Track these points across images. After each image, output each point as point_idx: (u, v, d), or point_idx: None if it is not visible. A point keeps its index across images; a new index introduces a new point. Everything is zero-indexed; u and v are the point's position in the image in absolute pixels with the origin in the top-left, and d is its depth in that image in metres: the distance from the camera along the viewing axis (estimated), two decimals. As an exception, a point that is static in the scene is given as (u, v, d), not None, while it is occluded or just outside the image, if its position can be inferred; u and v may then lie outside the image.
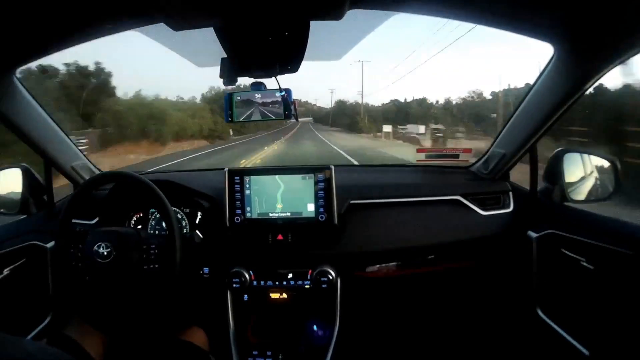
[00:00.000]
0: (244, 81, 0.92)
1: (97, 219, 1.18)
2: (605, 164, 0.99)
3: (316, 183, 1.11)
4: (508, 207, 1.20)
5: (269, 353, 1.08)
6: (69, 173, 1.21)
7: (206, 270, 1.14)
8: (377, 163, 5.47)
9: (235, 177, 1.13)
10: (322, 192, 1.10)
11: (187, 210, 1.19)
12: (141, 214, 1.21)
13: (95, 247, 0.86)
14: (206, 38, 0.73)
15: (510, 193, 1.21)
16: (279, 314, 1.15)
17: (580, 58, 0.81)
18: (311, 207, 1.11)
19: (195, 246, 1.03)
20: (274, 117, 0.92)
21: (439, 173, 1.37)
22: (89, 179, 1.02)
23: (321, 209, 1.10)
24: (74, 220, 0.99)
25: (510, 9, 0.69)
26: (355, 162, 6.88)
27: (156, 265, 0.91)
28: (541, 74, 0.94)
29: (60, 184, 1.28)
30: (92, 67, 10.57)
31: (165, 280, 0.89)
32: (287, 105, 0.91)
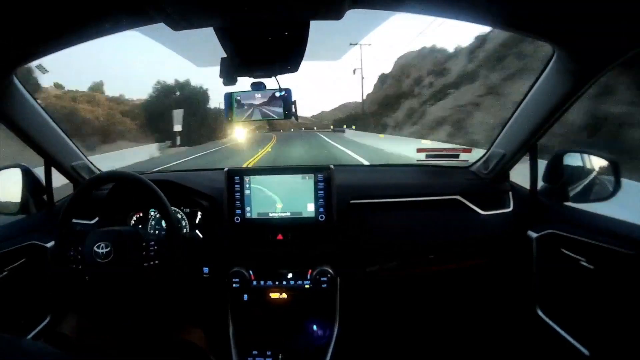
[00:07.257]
0: (244, 81, 0.92)
1: (97, 219, 1.18)
2: (606, 164, 0.99)
3: (316, 183, 1.11)
4: (508, 207, 1.20)
5: (268, 353, 1.08)
6: (69, 173, 1.21)
7: (206, 270, 1.13)
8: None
9: (235, 177, 1.13)
10: (322, 192, 1.10)
11: (187, 210, 1.19)
12: (141, 214, 1.21)
13: (95, 247, 0.86)
14: (206, 38, 0.73)
15: (510, 193, 1.21)
16: (279, 314, 1.14)
17: (580, 58, 0.81)
18: (311, 207, 1.11)
19: (195, 246, 1.03)
20: (274, 117, 0.92)
21: (439, 173, 1.37)
22: (89, 179, 1.02)
23: (321, 209, 1.10)
24: (74, 220, 0.99)
25: (510, 9, 0.69)
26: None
27: (156, 262, 0.90)
28: (541, 73, 0.94)
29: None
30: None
31: (165, 279, 0.89)
32: (288, 104, 0.91)
